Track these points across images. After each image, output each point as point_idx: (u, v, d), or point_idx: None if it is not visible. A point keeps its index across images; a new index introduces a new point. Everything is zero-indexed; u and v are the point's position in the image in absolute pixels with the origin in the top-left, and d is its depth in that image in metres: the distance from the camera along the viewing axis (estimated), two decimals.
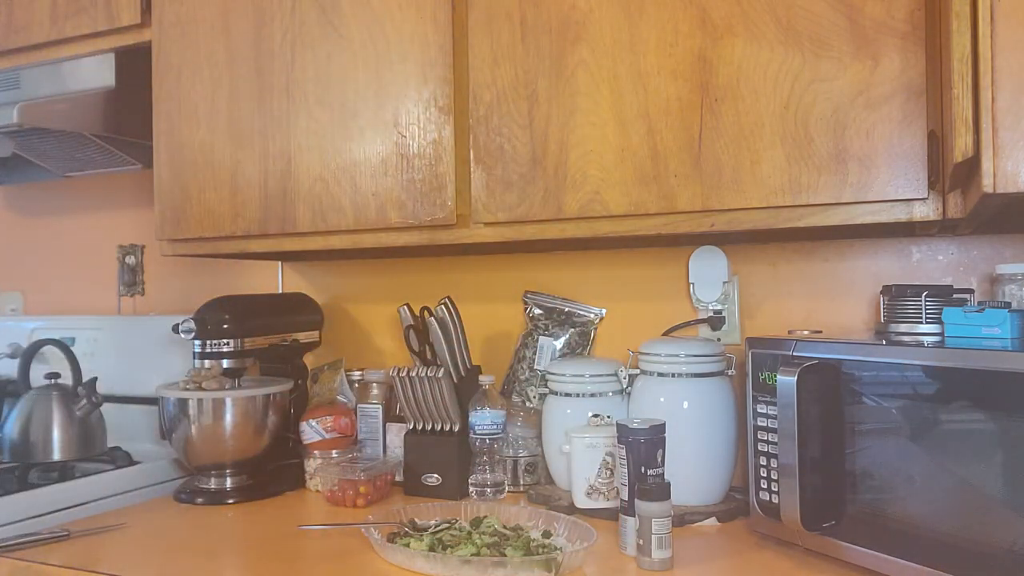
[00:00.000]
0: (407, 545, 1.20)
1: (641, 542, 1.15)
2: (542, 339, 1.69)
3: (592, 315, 1.68)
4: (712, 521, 1.36)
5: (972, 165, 0.91)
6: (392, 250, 1.64)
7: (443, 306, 1.59)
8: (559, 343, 1.68)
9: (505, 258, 1.79)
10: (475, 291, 1.82)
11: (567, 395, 1.50)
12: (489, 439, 1.53)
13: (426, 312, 1.61)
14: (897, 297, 1.18)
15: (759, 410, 1.21)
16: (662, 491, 1.15)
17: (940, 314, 1.12)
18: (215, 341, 1.61)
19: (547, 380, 1.55)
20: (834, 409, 1.11)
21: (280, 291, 2.03)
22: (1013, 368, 0.91)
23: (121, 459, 1.74)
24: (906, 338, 1.14)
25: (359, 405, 1.73)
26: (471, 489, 1.52)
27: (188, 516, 1.48)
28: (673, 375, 1.40)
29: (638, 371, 1.46)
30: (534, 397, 1.66)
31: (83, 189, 2.32)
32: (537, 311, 1.72)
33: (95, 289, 2.30)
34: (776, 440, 1.14)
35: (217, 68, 1.60)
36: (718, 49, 1.21)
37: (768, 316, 1.56)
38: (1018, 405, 0.91)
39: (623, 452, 1.23)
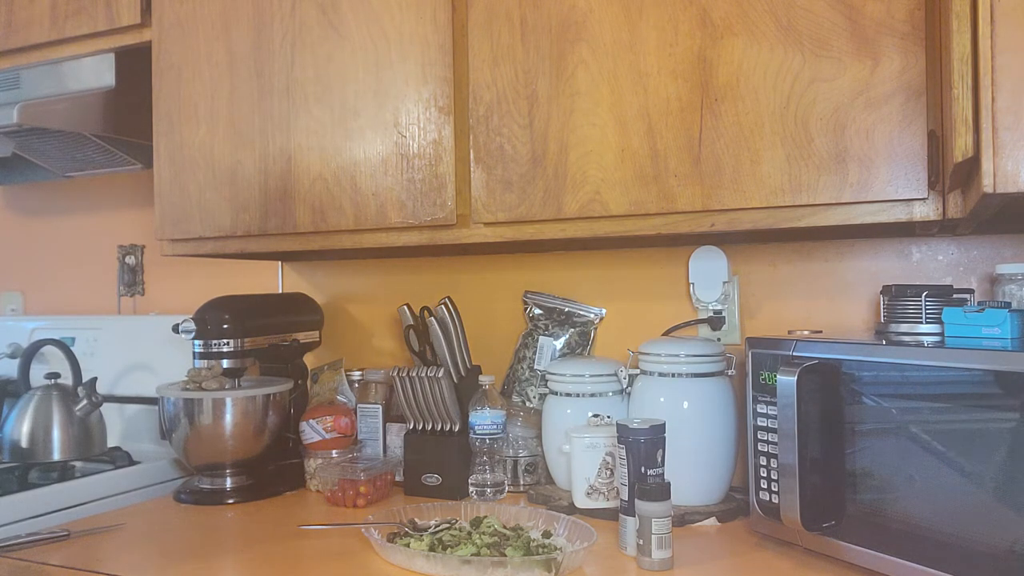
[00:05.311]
0: (407, 545, 1.20)
1: (641, 542, 1.15)
2: (542, 339, 1.69)
3: (592, 315, 1.68)
4: (712, 521, 1.36)
5: (972, 165, 0.91)
6: (392, 250, 1.64)
7: (443, 306, 1.59)
8: (559, 343, 1.68)
9: (505, 258, 1.79)
10: (475, 291, 1.82)
11: (567, 395, 1.50)
12: (489, 439, 1.53)
13: (426, 312, 1.61)
14: (897, 297, 1.18)
15: (759, 410, 1.21)
16: (662, 491, 1.15)
17: (940, 314, 1.12)
18: (215, 341, 1.61)
19: (547, 380, 1.55)
20: (834, 409, 1.11)
21: (280, 291, 2.03)
22: (1013, 368, 0.91)
23: (121, 459, 1.75)
24: (906, 338, 1.14)
25: (359, 405, 1.73)
26: (471, 489, 1.52)
27: (188, 516, 1.48)
28: (673, 375, 1.40)
29: (638, 371, 1.46)
30: (534, 397, 1.66)
31: (83, 189, 2.32)
32: (537, 311, 1.72)
33: (95, 289, 2.30)
34: (776, 440, 1.14)
35: (217, 68, 1.60)
36: (718, 49, 1.21)
37: (768, 316, 1.56)
38: (1018, 405, 0.91)
39: (623, 452, 1.23)
